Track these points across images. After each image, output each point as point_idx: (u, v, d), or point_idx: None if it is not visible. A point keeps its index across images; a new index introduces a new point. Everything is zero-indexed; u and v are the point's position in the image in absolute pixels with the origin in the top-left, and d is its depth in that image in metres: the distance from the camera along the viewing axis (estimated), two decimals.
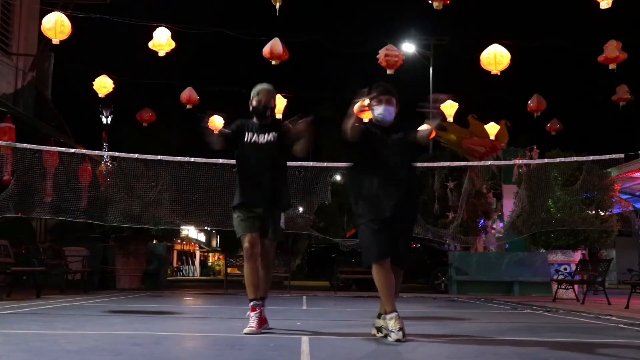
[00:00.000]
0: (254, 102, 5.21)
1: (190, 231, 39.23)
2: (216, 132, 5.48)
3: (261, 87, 5.26)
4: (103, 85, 13.38)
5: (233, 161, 5.45)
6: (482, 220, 15.65)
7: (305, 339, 4.46)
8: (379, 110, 4.82)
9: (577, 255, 11.89)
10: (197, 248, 45.42)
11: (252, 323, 4.86)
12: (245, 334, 4.73)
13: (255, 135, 5.15)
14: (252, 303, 4.97)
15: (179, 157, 10.76)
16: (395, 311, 4.51)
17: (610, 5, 8.71)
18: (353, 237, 16.22)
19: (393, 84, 4.97)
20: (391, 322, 4.47)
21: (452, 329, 5.72)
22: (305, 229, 12.81)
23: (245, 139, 5.15)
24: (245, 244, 5.02)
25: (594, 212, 11.68)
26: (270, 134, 5.14)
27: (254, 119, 5.27)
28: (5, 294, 8.82)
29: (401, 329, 4.43)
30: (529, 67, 27.25)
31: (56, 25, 10.30)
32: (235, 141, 5.19)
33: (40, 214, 11.26)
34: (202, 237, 45.56)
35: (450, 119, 16.22)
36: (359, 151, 4.81)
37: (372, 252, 4.59)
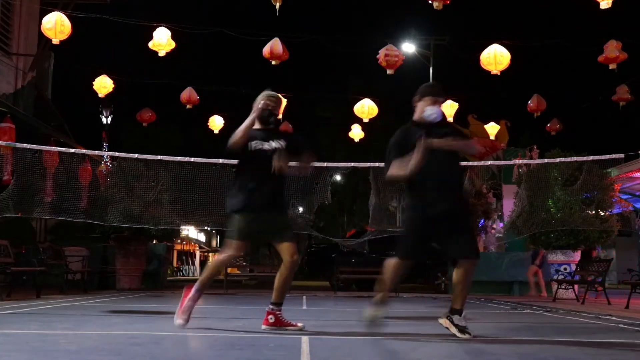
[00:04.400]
0: (261, 105, 5.09)
1: (190, 231, 39.22)
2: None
3: (270, 92, 5.21)
4: (103, 85, 13.38)
5: (233, 161, 5.42)
6: (482, 220, 15.65)
7: (305, 339, 4.45)
8: (431, 110, 4.82)
9: (577, 255, 11.89)
10: (197, 248, 45.42)
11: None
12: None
13: (259, 142, 5.05)
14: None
15: (179, 157, 10.76)
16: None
17: (610, 5, 8.71)
18: (353, 237, 16.23)
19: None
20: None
21: None
22: (305, 229, 12.80)
23: (249, 148, 5.03)
24: (231, 251, 5.06)
25: (594, 212, 11.67)
26: (277, 142, 5.07)
27: (256, 124, 5.14)
28: (5, 294, 8.81)
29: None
30: (529, 67, 27.23)
31: (56, 25, 10.30)
32: (243, 149, 5.06)
33: (40, 214, 11.25)
34: (202, 237, 45.57)
35: (450, 119, 16.24)
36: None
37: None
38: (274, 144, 5.06)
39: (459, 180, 5.06)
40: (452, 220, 4.70)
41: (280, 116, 5.41)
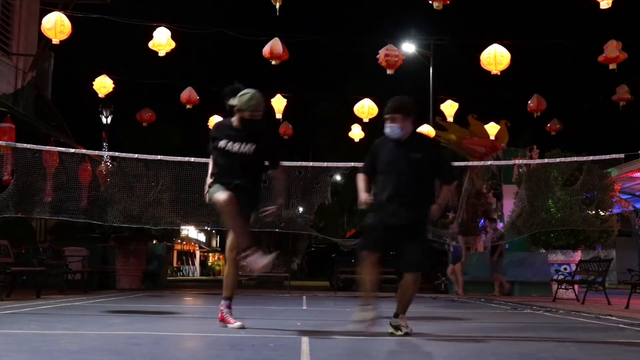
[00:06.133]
0: (247, 115, 5.07)
1: (190, 231, 39.21)
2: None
3: (256, 97, 5.11)
4: (103, 85, 13.38)
5: None
6: (482, 221, 15.64)
7: (305, 339, 4.46)
8: (385, 129, 4.85)
9: (577, 255, 11.89)
10: (197, 248, 45.42)
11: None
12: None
13: (230, 143, 5.10)
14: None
15: (179, 157, 10.77)
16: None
17: (610, 5, 8.72)
18: (353, 237, 16.22)
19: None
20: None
21: (452, 329, 5.72)
22: (305, 229, 12.79)
23: (220, 145, 5.13)
24: (222, 200, 4.96)
25: (594, 212, 11.67)
26: (247, 145, 5.07)
27: (234, 122, 5.16)
28: (5, 294, 8.81)
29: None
30: (529, 67, 27.23)
31: (56, 25, 10.30)
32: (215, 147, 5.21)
33: (40, 214, 11.26)
34: (202, 237, 45.55)
35: (450, 119, 16.24)
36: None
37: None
38: (242, 148, 5.07)
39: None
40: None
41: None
